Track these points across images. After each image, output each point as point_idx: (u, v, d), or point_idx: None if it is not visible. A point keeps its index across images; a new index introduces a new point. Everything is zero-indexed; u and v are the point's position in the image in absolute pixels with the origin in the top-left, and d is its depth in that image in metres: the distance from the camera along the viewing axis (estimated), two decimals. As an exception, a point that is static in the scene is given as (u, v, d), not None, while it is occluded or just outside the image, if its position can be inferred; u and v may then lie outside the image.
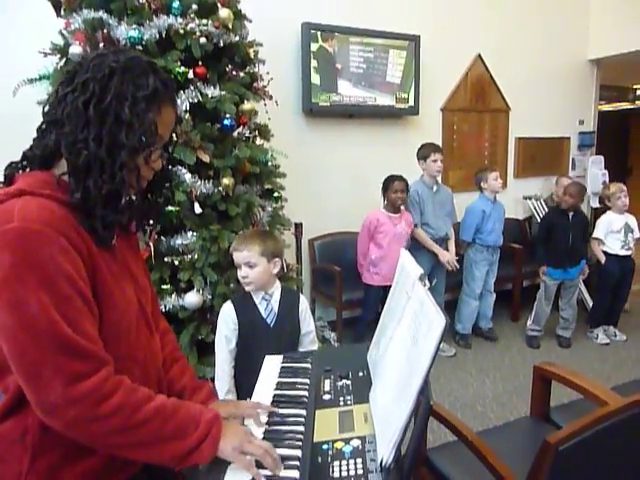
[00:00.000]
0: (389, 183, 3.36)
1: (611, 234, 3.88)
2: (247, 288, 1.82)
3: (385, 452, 0.92)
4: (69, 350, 0.84)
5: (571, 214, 3.76)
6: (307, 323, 1.91)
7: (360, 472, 0.95)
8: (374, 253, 3.38)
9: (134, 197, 1.06)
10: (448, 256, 3.53)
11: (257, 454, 0.97)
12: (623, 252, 3.86)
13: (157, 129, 0.96)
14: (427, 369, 0.87)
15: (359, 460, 0.98)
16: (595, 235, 3.93)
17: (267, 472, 0.96)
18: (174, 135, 1.12)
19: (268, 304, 1.83)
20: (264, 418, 1.16)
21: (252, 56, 2.51)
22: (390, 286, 3.19)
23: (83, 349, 0.86)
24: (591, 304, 4.27)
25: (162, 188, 1.17)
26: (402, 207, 3.42)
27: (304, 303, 1.93)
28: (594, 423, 1.26)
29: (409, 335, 1.02)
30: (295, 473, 0.97)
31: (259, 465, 0.98)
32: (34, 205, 0.86)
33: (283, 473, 0.98)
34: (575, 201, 3.72)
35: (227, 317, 1.82)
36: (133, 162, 0.95)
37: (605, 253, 3.89)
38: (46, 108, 0.96)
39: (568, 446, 1.21)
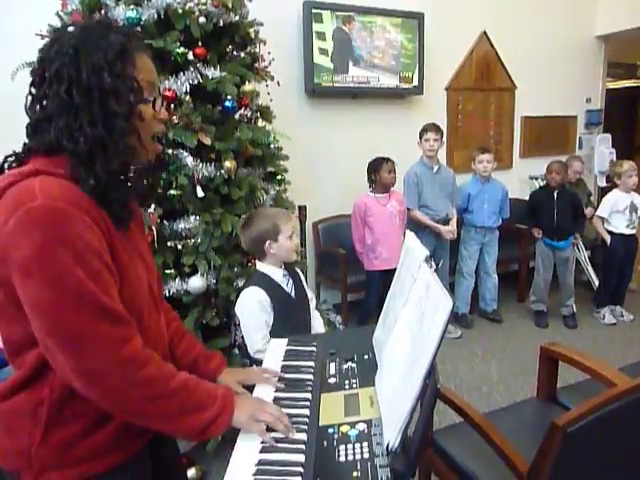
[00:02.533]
0: (380, 164, 3.30)
1: (616, 213, 3.85)
2: (296, 257, 1.93)
3: (391, 436, 0.91)
4: (110, 317, 0.88)
5: (556, 192, 3.76)
6: (307, 290, 2.03)
7: (366, 456, 0.94)
8: (369, 238, 3.34)
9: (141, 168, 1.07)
10: (446, 231, 3.50)
11: (269, 421, 1.02)
12: (628, 231, 3.84)
13: (139, 82, 0.96)
14: (434, 352, 0.85)
15: (365, 444, 0.97)
16: (599, 213, 3.92)
17: (279, 435, 1.02)
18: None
19: (289, 280, 1.90)
20: (274, 383, 1.22)
21: (253, 36, 2.46)
22: (391, 269, 3.19)
23: (121, 315, 0.90)
24: (597, 283, 4.24)
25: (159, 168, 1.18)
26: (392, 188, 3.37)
27: (301, 274, 2.04)
28: (603, 405, 1.24)
29: (415, 318, 1.01)
30: (301, 457, 0.97)
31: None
32: (54, 184, 0.88)
33: (289, 457, 0.98)
34: (561, 177, 3.76)
35: (264, 303, 1.80)
36: (131, 125, 0.95)
37: (610, 232, 3.87)
38: (32, 108, 0.95)
39: (576, 428, 1.19)
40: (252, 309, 1.81)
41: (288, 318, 1.84)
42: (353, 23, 3.73)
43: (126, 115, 0.93)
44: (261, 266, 1.89)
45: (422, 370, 0.87)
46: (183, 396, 0.96)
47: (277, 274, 1.87)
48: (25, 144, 0.97)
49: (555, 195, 3.78)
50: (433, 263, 1.05)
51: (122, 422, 0.98)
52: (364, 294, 3.58)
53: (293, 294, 1.90)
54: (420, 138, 3.49)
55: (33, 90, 0.94)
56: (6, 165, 0.97)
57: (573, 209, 3.85)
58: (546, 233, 3.84)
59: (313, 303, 2.03)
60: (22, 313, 0.87)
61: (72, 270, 0.84)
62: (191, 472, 2.15)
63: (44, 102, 0.92)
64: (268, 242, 1.83)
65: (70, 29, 0.95)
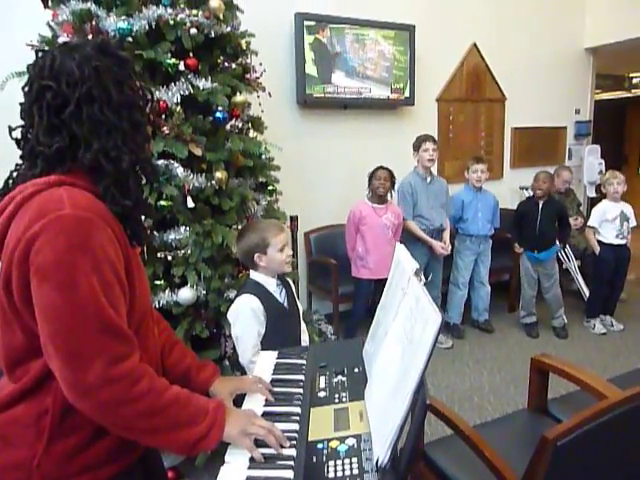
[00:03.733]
0: (374, 171, 3.33)
1: (605, 223, 3.87)
2: (289, 269, 1.91)
3: (381, 452, 0.90)
4: (112, 332, 0.89)
5: (541, 202, 3.78)
6: (298, 301, 2.04)
7: (355, 472, 0.93)
8: (360, 246, 3.35)
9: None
10: (438, 246, 3.51)
11: (261, 434, 1.02)
12: (618, 241, 3.85)
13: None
14: (423, 367, 0.85)
15: (354, 459, 0.96)
16: (589, 223, 3.94)
17: (268, 451, 1.01)
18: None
19: (282, 290, 1.91)
20: (266, 394, 1.22)
21: (244, 47, 2.46)
22: (380, 280, 3.18)
23: (124, 332, 0.91)
24: (587, 293, 4.26)
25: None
26: (388, 198, 3.37)
27: (293, 285, 2.05)
28: (593, 417, 1.24)
29: (404, 332, 1.00)
30: (289, 473, 0.96)
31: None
32: (81, 195, 0.91)
33: (277, 474, 0.97)
34: (547, 186, 3.77)
35: (257, 311, 1.80)
36: (149, 132, 1.04)
37: (600, 242, 3.89)
38: (44, 138, 0.93)
39: (567, 441, 1.19)
40: (245, 316, 1.80)
41: (280, 328, 1.84)
42: (329, 32, 3.72)
43: (145, 123, 1.01)
44: (255, 275, 1.89)
45: (412, 385, 0.86)
46: (174, 411, 0.95)
47: (270, 284, 1.87)
48: (42, 167, 0.95)
49: (540, 205, 3.79)
50: (422, 276, 1.05)
51: (118, 435, 0.97)
52: (352, 302, 3.56)
53: (286, 304, 1.90)
54: (417, 149, 3.49)
55: (48, 118, 0.92)
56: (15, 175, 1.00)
57: (559, 219, 3.86)
58: (529, 243, 3.82)
59: (301, 312, 2.05)
60: (27, 321, 0.89)
61: (88, 279, 0.86)
62: (180, 486, 2.13)
63: (71, 127, 0.92)
64: (257, 255, 1.84)
65: (82, 49, 0.95)
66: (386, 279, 1.37)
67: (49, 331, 0.86)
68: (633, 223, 3.92)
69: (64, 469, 0.94)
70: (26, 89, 0.96)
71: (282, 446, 1.02)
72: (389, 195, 3.38)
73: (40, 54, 0.98)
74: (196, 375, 1.22)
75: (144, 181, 1.07)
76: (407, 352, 0.95)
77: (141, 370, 0.93)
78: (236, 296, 1.90)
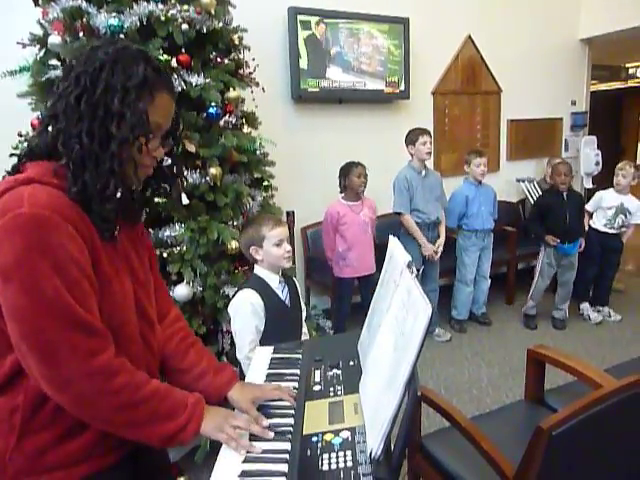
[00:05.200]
0: (350, 168, 3.27)
1: (600, 210, 3.89)
2: (288, 264, 1.90)
3: (374, 444, 0.90)
4: (84, 328, 0.89)
5: (565, 193, 3.75)
6: (301, 299, 2.04)
7: (350, 464, 0.94)
8: (340, 246, 3.30)
9: (134, 189, 1.06)
10: (430, 250, 3.49)
11: (243, 427, 1.03)
12: (605, 229, 3.87)
13: (148, 118, 0.95)
14: (414, 359, 0.85)
15: (349, 452, 0.97)
16: (586, 207, 3.96)
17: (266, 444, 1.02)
18: (179, 123, 1.12)
19: (284, 287, 1.91)
20: (289, 400, 1.18)
21: (237, 42, 2.45)
22: (363, 276, 3.17)
23: (96, 327, 0.91)
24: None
25: (164, 181, 1.15)
26: (363, 194, 3.34)
27: (297, 283, 2.05)
28: (588, 407, 1.25)
29: (397, 324, 1.01)
30: (284, 467, 0.96)
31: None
32: (43, 192, 0.89)
33: (272, 467, 0.97)
34: (570, 179, 3.74)
35: (256, 306, 1.81)
36: (126, 153, 0.95)
37: (589, 227, 3.92)
38: (49, 102, 0.98)
39: (562, 431, 1.20)
40: (244, 311, 1.81)
41: (280, 325, 1.85)
42: (324, 26, 3.71)
43: (121, 141, 0.93)
44: (258, 270, 1.91)
45: (403, 376, 0.87)
46: (153, 405, 0.96)
47: (273, 280, 1.88)
48: (28, 144, 0.99)
49: (565, 197, 3.73)
50: (414, 268, 1.05)
51: (99, 432, 0.97)
52: (336, 301, 3.52)
53: (287, 302, 1.91)
54: (413, 143, 3.46)
55: (60, 85, 0.96)
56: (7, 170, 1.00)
57: (579, 210, 3.84)
58: (557, 236, 3.72)
59: (304, 314, 2.04)
60: None
61: (50, 279, 0.86)
62: (180, 482, 2.13)
63: (59, 99, 0.94)
64: (253, 248, 1.86)
65: (110, 46, 0.96)
66: (367, 275, 1.36)
67: (19, 331, 0.86)
68: (635, 220, 3.89)
69: (36, 464, 0.95)
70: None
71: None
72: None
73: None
74: (212, 379, 1.18)
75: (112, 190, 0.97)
76: (399, 344, 0.95)
77: (118, 364, 0.94)
78: (238, 290, 1.90)
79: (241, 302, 1.83)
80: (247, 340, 1.81)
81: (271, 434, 1.05)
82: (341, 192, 3.36)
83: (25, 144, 1.02)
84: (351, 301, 3.44)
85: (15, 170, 0.97)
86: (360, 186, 3.27)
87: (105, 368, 0.91)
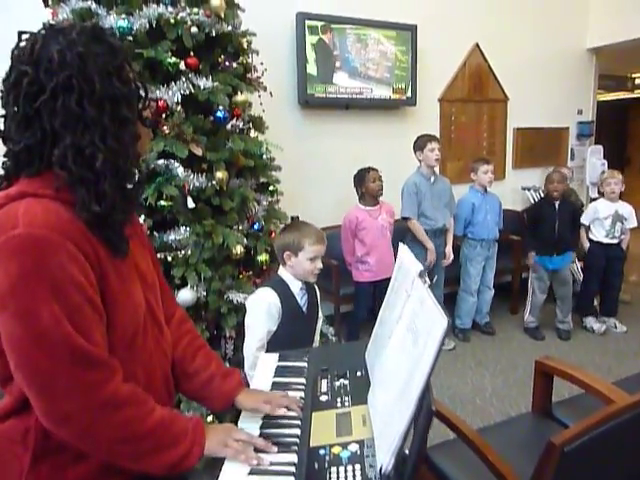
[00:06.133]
0: (364, 174, 3.28)
1: (597, 221, 3.86)
2: (314, 280, 1.92)
3: (385, 459, 0.88)
4: (84, 360, 0.83)
5: (557, 203, 3.74)
6: (320, 308, 2.04)
7: (359, 479, 0.91)
8: (359, 250, 3.30)
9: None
10: (433, 256, 3.47)
11: (246, 440, 1.00)
12: (607, 240, 3.84)
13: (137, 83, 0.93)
14: (429, 372, 0.82)
15: (357, 466, 0.94)
16: (582, 221, 3.93)
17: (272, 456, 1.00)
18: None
19: (304, 294, 1.92)
20: (295, 409, 1.14)
21: (245, 46, 2.45)
22: (380, 280, 3.16)
23: (97, 358, 0.85)
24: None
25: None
26: (380, 198, 3.35)
27: (318, 291, 2.04)
28: (600, 422, 1.22)
29: (409, 335, 0.98)
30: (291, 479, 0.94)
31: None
32: (39, 208, 0.82)
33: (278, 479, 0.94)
34: (563, 187, 3.75)
35: (273, 306, 1.82)
36: (138, 131, 0.93)
37: (590, 240, 3.88)
38: (17, 133, 0.86)
39: (574, 447, 1.17)
40: (259, 309, 1.83)
41: (294, 330, 1.85)
42: (331, 32, 3.70)
43: (135, 120, 0.91)
44: (282, 272, 1.92)
45: (417, 390, 0.84)
46: (157, 435, 0.92)
47: (295, 285, 1.89)
48: (7, 169, 0.90)
49: (557, 206, 3.74)
50: (427, 278, 1.03)
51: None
52: (353, 306, 3.53)
53: (305, 309, 1.91)
54: (421, 149, 3.45)
55: (23, 109, 0.84)
56: None
57: (573, 221, 3.83)
58: (546, 247, 3.74)
59: (320, 322, 2.04)
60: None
61: (47, 306, 0.79)
62: (180, 490, 2.10)
63: (43, 119, 0.83)
64: (287, 253, 1.86)
65: (66, 36, 0.85)
66: (384, 280, 1.34)
67: (15, 361, 0.82)
68: (633, 224, 3.89)
69: None
70: (5, 75, 0.86)
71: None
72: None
73: (23, 37, 0.88)
74: (220, 384, 1.15)
75: (130, 185, 0.96)
76: (412, 356, 0.92)
77: (124, 395, 0.88)
78: (260, 286, 1.95)
79: (259, 299, 1.85)
80: (256, 337, 1.82)
81: (274, 448, 1.01)
82: (360, 199, 3.36)
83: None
84: (367, 307, 3.41)
85: (7, 181, 0.90)
86: (377, 190, 3.28)
87: (107, 402, 0.85)
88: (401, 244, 1.35)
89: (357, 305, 3.48)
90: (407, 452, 0.90)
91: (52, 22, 2.10)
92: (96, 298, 0.87)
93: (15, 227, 0.79)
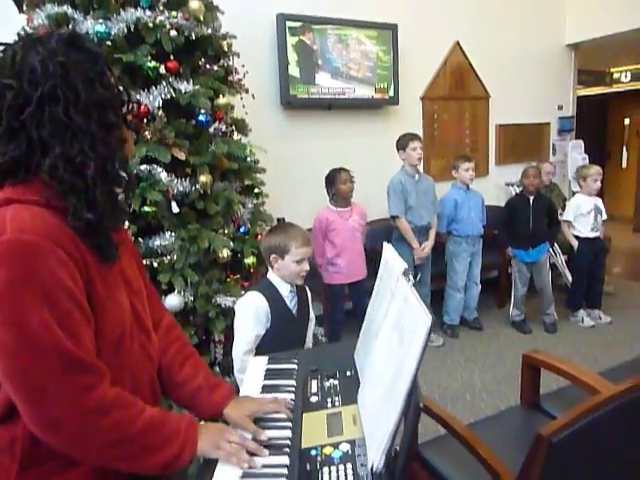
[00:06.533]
0: (335, 176, 3.25)
1: (580, 217, 3.91)
2: (301, 282, 1.91)
3: (375, 457, 0.88)
4: (73, 365, 0.83)
5: (532, 198, 3.81)
6: (311, 309, 2.04)
7: (350, 479, 0.91)
8: (330, 252, 3.26)
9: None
10: (420, 254, 3.50)
11: (239, 442, 1.00)
12: (593, 234, 3.90)
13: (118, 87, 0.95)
14: (415, 370, 0.83)
15: (349, 465, 0.95)
16: (565, 218, 3.98)
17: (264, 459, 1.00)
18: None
19: (294, 297, 1.91)
20: (285, 412, 1.15)
21: (226, 49, 2.44)
22: (353, 283, 3.16)
23: (86, 362, 0.85)
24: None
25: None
26: (352, 199, 3.33)
27: (309, 292, 2.04)
28: (587, 412, 1.23)
29: (395, 333, 0.99)
30: (283, 482, 0.94)
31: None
32: (26, 214, 0.82)
33: (270, 482, 0.94)
34: (538, 181, 3.82)
35: (261, 310, 1.81)
36: (125, 135, 0.95)
37: (576, 237, 3.94)
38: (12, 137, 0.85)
39: (561, 438, 1.18)
40: (247, 313, 1.82)
41: (284, 333, 1.85)
42: (312, 33, 3.69)
43: (120, 124, 0.93)
44: (270, 275, 1.92)
45: (404, 387, 0.85)
46: (147, 437, 0.92)
47: (284, 288, 1.89)
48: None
49: (531, 201, 3.81)
50: (411, 276, 1.04)
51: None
52: (329, 309, 3.48)
53: (295, 311, 1.91)
54: (403, 149, 3.47)
55: (8, 122, 0.84)
56: None
57: (549, 216, 3.89)
58: (522, 241, 3.82)
59: (312, 324, 2.04)
60: None
61: (37, 311, 0.79)
62: (172, 496, 2.09)
63: (30, 130, 0.84)
64: (274, 256, 1.87)
65: (44, 44, 0.86)
66: (358, 281, 1.32)
67: (4, 368, 0.81)
68: (604, 216, 3.99)
69: None
70: None
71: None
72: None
73: (0, 48, 0.88)
74: (208, 396, 1.14)
75: (118, 190, 0.98)
76: (398, 354, 0.93)
77: (111, 398, 0.88)
78: (249, 290, 1.94)
79: (246, 303, 1.85)
80: (244, 341, 1.82)
81: (266, 451, 1.01)
82: (330, 200, 3.34)
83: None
84: (344, 308, 3.42)
85: None
86: (348, 192, 3.25)
87: (97, 406, 0.86)
88: (385, 243, 1.36)
89: (332, 307, 3.43)
90: (397, 450, 0.90)
91: (28, 31, 2.10)
92: (84, 303, 0.87)
93: (3, 233, 0.80)
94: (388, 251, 1.29)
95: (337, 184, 3.24)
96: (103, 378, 0.88)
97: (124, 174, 0.97)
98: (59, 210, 0.86)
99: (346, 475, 0.92)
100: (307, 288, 2.03)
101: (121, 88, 0.96)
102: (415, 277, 1.07)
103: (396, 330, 0.98)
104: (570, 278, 4.43)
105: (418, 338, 0.83)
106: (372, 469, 0.88)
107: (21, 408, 0.82)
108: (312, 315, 2.04)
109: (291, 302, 1.90)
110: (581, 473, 1.28)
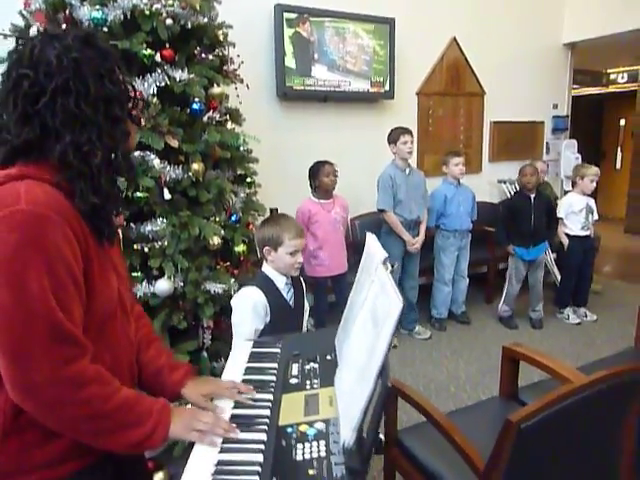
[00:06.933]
0: (318, 168, 3.28)
1: (572, 215, 3.95)
2: (296, 274, 1.91)
3: (347, 434, 0.93)
4: (60, 335, 0.87)
5: (533, 196, 3.83)
6: (306, 300, 2.04)
7: (323, 454, 0.96)
8: (312, 244, 3.27)
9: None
10: (412, 241, 3.55)
11: (205, 430, 1.04)
12: (583, 232, 3.95)
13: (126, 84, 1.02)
14: (385, 351, 0.87)
15: (322, 442, 0.99)
16: (558, 215, 4.02)
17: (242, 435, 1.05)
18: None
19: (290, 288, 1.91)
20: (242, 399, 1.19)
21: (221, 38, 2.45)
22: (335, 276, 3.16)
23: (73, 335, 0.90)
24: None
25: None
26: (334, 192, 3.36)
27: (304, 283, 2.04)
28: (557, 400, 1.28)
29: (370, 317, 1.03)
30: (259, 457, 0.98)
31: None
32: (39, 190, 0.88)
33: (247, 457, 0.99)
34: (536, 179, 3.84)
35: (258, 305, 1.80)
36: (129, 128, 1.02)
37: (567, 235, 3.98)
38: (16, 127, 0.92)
39: (531, 424, 1.23)
40: (245, 308, 1.81)
41: (282, 325, 1.83)
42: (309, 25, 3.71)
43: (125, 118, 1.00)
44: (265, 268, 1.92)
45: (375, 368, 0.89)
46: (120, 415, 0.96)
47: (280, 281, 1.89)
48: (4, 156, 0.95)
49: (532, 199, 3.84)
50: (389, 264, 1.08)
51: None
52: (314, 299, 3.46)
53: (292, 303, 1.91)
54: (395, 142, 3.50)
55: (23, 107, 0.91)
56: None
57: (547, 214, 3.92)
58: (524, 240, 3.84)
59: (307, 314, 2.04)
60: None
61: (39, 279, 0.85)
62: (158, 476, 2.14)
63: (44, 117, 0.91)
64: (267, 249, 1.87)
65: (61, 41, 0.93)
66: (340, 274, 1.32)
67: None
68: (596, 216, 4.04)
69: (21, 464, 0.95)
70: (4, 77, 0.94)
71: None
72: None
73: (21, 42, 0.97)
74: (168, 375, 1.21)
75: (120, 178, 1.06)
76: (372, 337, 0.97)
77: (90, 374, 0.92)
78: (244, 285, 1.92)
79: (243, 298, 1.84)
80: (243, 336, 1.80)
81: (238, 431, 1.06)
82: (313, 191, 3.37)
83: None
84: (327, 299, 3.45)
85: (3, 165, 0.95)
86: (330, 185, 3.28)
87: (76, 377, 0.90)
88: (369, 233, 1.40)
89: (315, 298, 3.43)
90: (367, 427, 0.95)
91: (25, 15, 2.12)
92: (80, 280, 0.93)
93: (17, 203, 0.85)
94: (371, 240, 1.33)
95: (320, 176, 3.27)
96: (85, 353, 0.92)
97: (126, 164, 1.04)
98: (67, 193, 0.92)
99: (319, 451, 0.97)
100: (302, 279, 2.04)
101: (128, 85, 1.03)
102: (393, 266, 1.10)
103: (371, 314, 1.03)
104: (559, 276, 4.50)
105: (390, 320, 0.87)
106: (343, 445, 0.92)
107: (4, 370, 0.86)
108: (307, 305, 2.04)
109: (288, 294, 1.90)
110: (549, 459, 1.33)
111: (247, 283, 1.91)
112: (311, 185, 3.36)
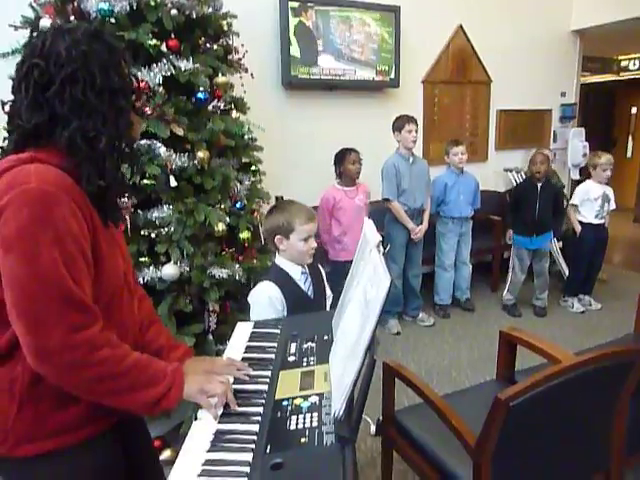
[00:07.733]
0: (344, 155, 3.35)
1: (587, 202, 3.93)
2: (310, 260, 1.83)
3: (337, 406, 0.98)
4: (73, 303, 0.93)
5: (539, 185, 3.83)
6: (327, 287, 1.97)
7: (315, 424, 1.01)
8: (336, 230, 3.37)
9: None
10: (415, 229, 3.58)
11: (218, 392, 1.09)
12: (597, 221, 3.94)
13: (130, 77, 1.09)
14: (374, 326, 0.92)
15: (315, 414, 1.05)
16: (572, 202, 4.00)
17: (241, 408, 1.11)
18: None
19: (307, 278, 1.84)
20: (239, 375, 1.23)
21: (226, 28, 2.49)
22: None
23: (84, 303, 0.96)
24: (567, 273, 4.36)
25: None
26: (357, 179, 3.41)
27: (322, 270, 1.98)
28: (545, 379, 1.32)
29: (363, 296, 1.08)
30: (255, 427, 1.04)
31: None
32: (48, 171, 0.96)
33: (244, 427, 1.05)
34: (546, 167, 3.83)
35: (274, 300, 1.74)
36: (130, 119, 1.08)
37: (580, 222, 3.97)
38: (27, 113, 0.99)
39: (519, 402, 1.28)
40: (261, 304, 1.77)
41: None
42: (314, 14, 3.73)
43: (129, 110, 1.06)
44: (279, 260, 1.84)
45: (364, 343, 0.94)
46: (134, 375, 1.01)
47: (295, 272, 1.81)
48: (16, 141, 1.02)
49: (539, 187, 3.84)
50: (382, 247, 1.13)
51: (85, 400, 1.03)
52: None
53: (310, 293, 1.83)
54: (399, 130, 3.53)
55: (34, 95, 0.98)
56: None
57: (554, 203, 3.91)
58: (528, 228, 3.84)
59: (329, 302, 1.96)
60: None
61: (49, 251, 0.91)
62: (166, 454, 2.22)
63: (54, 105, 0.97)
64: (278, 237, 1.79)
65: (72, 34, 1.00)
66: None
67: (12, 298, 0.91)
68: (613, 206, 4.01)
69: (37, 431, 1.01)
70: (18, 66, 1.01)
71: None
72: None
73: (35, 34, 1.05)
74: (167, 354, 1.26)
75: (124, 164, 1.13)
76: (364, 314, 1.02)
77: (102, 339, 0.98)
78: (259, 280, 1.85)
79: (259, 294, 1.78)
80: None
81: (237, 407, 1.10)
82: (337, 178, 3.42)
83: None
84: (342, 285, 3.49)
85: (16, 150, 1.01)
86: (356, 172, 3.34)
87: (89, 342, 0.95)
88: (366, 218, 1.44)
89: (335, 283, 3.51)
90: (356, 399, 1.00)
91: (35, 7, 2.18)
92: (88, 254, 0.99)
93: (28, 182, 0.92)
94: (367, 225, 1.38)
95: (346, 163, 3.33)
96: (96, 321, 0.98)
97: (130, 151, 1.12)
98: (74, 177, 0.99)
99: (312, 422, 1.02)
100: (319, 265, 1.96)
101: (133, 79, 1.11)
102: (385, 248, 1.15)
103: (364, 293, 1.08)
104: (564, 264, 4.51)
105: (379, 297, 0.92)
106: (334, 415, 0.98)
107: (21, 337, 0.92)
108: (329, 292, 1.96)
109: (305, 284, 1.82)
110: (538, 437, 1.38)
111: (261, 278, 1.84)
112: (336, 171, 3.42)
